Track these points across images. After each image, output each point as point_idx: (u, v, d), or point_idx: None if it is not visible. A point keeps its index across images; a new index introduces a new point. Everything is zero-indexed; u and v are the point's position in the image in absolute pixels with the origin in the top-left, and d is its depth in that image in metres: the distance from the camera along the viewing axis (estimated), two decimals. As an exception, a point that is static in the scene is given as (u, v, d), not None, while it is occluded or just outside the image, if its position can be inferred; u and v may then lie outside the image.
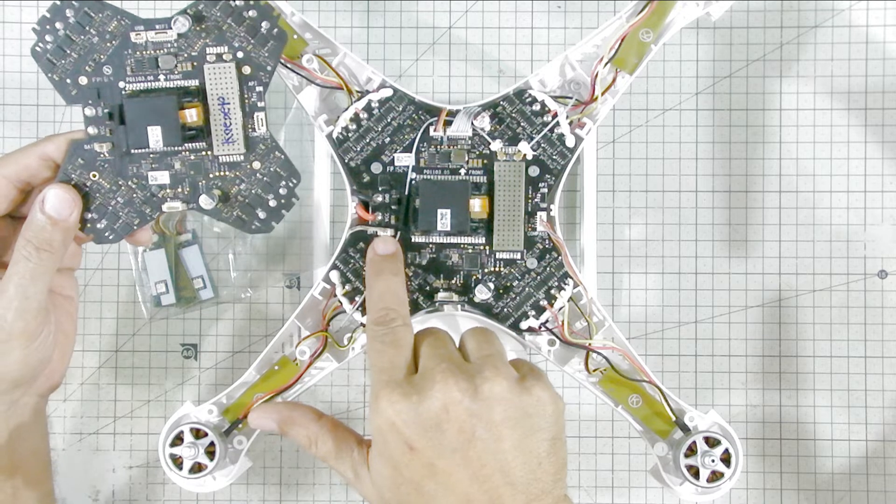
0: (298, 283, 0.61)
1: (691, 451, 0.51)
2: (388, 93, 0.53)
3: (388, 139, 0.53)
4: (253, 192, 0.50)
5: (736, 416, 0.61)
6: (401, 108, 0.53)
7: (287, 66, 0.52)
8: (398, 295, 0.48)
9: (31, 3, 0.62)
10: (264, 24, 0.48)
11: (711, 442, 0.51)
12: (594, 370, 0.52)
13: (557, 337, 0.52)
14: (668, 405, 0.52)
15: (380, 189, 0.52)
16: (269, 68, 0.49)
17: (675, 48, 0.61)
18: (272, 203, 0.50)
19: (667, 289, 0.61)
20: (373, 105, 0.53)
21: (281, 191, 0.50)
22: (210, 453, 0.51)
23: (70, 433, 0.61)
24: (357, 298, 0.52)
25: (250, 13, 0.48)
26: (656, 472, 0.53)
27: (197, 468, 0.51)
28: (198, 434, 0.51)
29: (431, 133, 0.53)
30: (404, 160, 0.53)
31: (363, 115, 0.53)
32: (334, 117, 0.53)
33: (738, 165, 0.61)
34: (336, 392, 0.61)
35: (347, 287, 0.52)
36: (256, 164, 0.49)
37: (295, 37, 0.52)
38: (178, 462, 0.51)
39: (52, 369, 0.50)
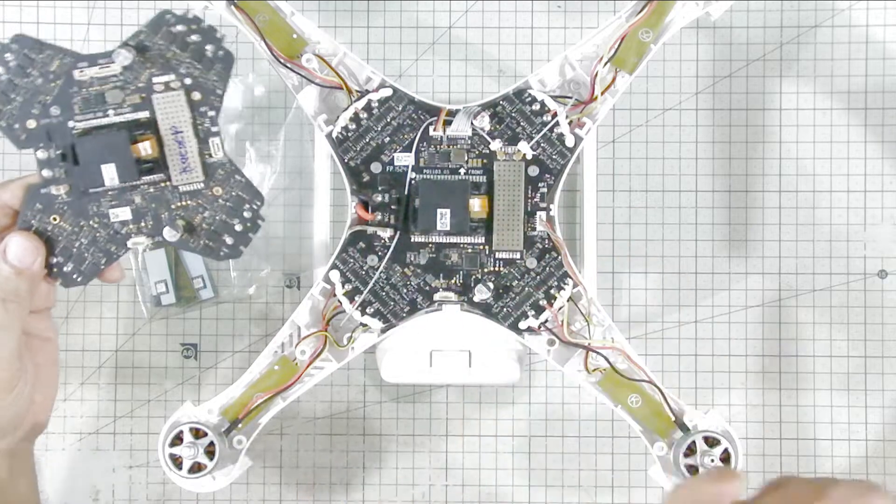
0: (298, 283, 0.61)
1: (691, 450, 0.51)
2: (387, 92, 0.53)
3: (388, 139, 0.53)
4: (217, 218, 0.49)
5: (736, 416, 0.61)
6: (400, 108, 0.53)
7: (287, 66, 0.52)
8: None
9: (32, 3, 0.62)
10: (209, 48, 0.48)
11: (711, 442, 0.51)
12: (594, 370, 0.52)
13: (557, 337, 0.52)
14: (668, 405, 0.52)
15: (379, 189, 0.52)
16: (219, 92, 0.48)
17: (675, 48, 0.61)
18: (238, 227, 0.49)
19: (667, 289, 0.61)
20: (372, 105, 0.53)
21: (245, 214, 0.49)
22: (209, 453, 0.51)
23: (70, 433, 0.61)
24: (357, 298, 0.52)
25: (193, 37, 0.47)
26: (656, 472, 0.53)
27: (196, 468, 0.51)
28: (197, 434, 0.51)
29: (431, 133, 0.53)
30: (404, 160, 0.53)
31: (363, 115, 0.53)
32: (334, 117, 0.53)
33: (738, 165, 0.61)
34: (336, 392, 0.61)
35: (347, 287, 0.52)
36: (218, 190, 0.48)
37: (294, 36, 0.52)
38: (177, 462, 0.51)
39: (35, 412, 0.49)
